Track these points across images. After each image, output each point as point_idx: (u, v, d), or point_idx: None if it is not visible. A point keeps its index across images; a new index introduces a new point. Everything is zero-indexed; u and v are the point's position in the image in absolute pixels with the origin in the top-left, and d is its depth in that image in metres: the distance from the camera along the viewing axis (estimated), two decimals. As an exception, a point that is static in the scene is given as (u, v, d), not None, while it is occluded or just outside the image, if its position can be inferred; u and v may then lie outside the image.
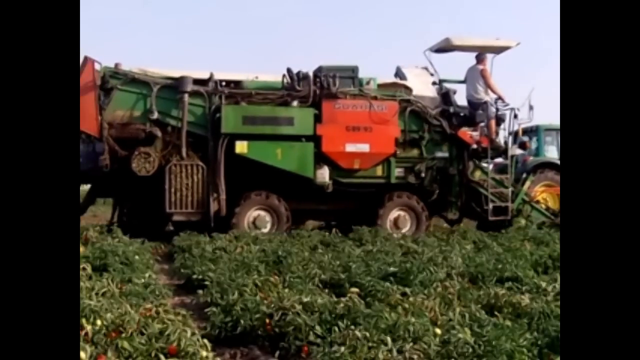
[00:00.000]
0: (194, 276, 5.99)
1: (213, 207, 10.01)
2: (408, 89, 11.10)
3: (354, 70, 10.82)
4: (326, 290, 5.09)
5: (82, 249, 6.82)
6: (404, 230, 10.73)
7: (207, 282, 5.33)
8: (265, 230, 10.12)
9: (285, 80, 10.57)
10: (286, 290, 4.91)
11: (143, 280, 5.29)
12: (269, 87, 10.59)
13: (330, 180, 10.47)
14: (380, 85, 11.13)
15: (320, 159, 10.40)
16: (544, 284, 5.10)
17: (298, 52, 58.54)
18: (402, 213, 10.92)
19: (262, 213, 10.36)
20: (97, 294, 4.39)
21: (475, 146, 11.25)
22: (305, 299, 4.23)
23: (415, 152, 10.97)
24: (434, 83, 11.73)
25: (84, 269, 5.25)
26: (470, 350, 3.15)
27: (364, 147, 10.51)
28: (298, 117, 10.29)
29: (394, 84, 11.32)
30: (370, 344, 3.21)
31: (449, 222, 12.22)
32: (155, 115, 9.99)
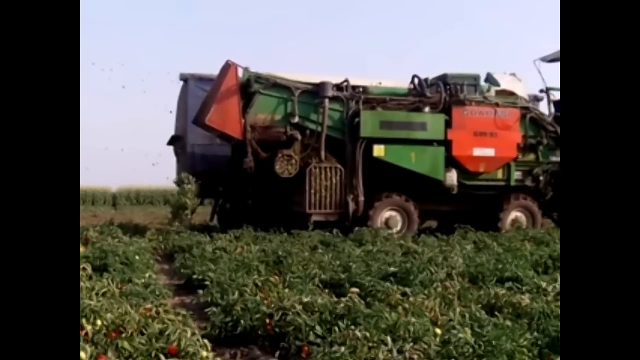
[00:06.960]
0: (194, 276, 6.00)
1: (351, 207, 10.46)
2: (515, 96, 11.54)
3: (476, 78, 11.39)
4: (326, 290, 5.09)
5: (82, 249, 6.82)
6: None
7: (207, 282, 5.34)
8: (396, 230, 10.56)
9: (412, 87, 11.17)
10: (286, 290, 4.91)
11: (143, 280, 5.30)
12: (393, 93, 11.10)
13: (456, 183, 10.95)
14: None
15: (449, 162, 10.91)
16: (544, 284, 5.11)
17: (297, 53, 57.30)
18: (519, 214, 11.52)
19: (394, 213, 10.86)
20: (97, 294, 4.39)
21: None
22: (305, 299, 4.23)
23: (532, 157, 11.60)
24: (540, 90, 12.27)
25: (84, 269, 5.25)
26: (470, 350, 3.15)
27: (490, 152, 11.12)
28: (430, 122, 10.85)
29: (503, 91, 11.73)
30: (370, 344, 3.21)
31: (556, 222, 12.60)
32: (297, 119, 10.39)
